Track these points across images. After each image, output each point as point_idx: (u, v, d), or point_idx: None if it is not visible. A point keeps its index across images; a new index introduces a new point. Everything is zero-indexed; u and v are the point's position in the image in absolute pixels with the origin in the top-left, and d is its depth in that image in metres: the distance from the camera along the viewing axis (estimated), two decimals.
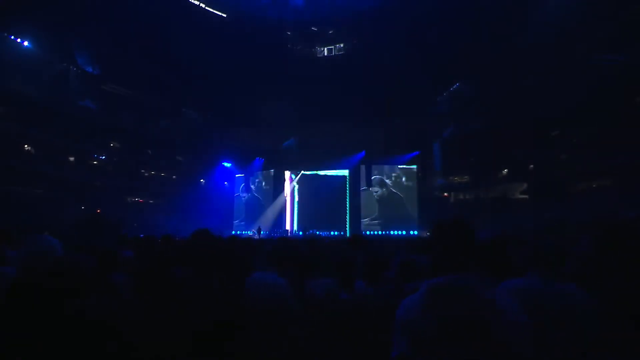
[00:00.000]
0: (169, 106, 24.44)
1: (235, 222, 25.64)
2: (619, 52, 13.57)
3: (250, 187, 25.94)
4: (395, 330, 1.37)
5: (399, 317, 1.38)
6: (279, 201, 24.83)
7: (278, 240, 3.58)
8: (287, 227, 24.08)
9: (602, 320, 1.46)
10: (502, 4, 16.33)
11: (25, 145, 17.92)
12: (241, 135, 25.87)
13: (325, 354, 2.04)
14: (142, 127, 22.86)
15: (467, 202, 21.90)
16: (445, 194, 23.14)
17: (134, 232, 14.79)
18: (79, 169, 19.98)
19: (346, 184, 24.06)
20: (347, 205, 23.80)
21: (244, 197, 25.97)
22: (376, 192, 23.42)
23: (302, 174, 24.69)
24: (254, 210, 25.40)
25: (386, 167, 23.59)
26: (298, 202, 24.35)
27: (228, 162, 26.23)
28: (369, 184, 23.53)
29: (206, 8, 20.39)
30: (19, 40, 17.23)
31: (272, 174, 25.60)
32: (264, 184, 25.78)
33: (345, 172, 24.11)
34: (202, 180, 26.15)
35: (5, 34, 16.82)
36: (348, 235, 21.58)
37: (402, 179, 23.41)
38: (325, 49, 22.79)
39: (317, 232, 21.75)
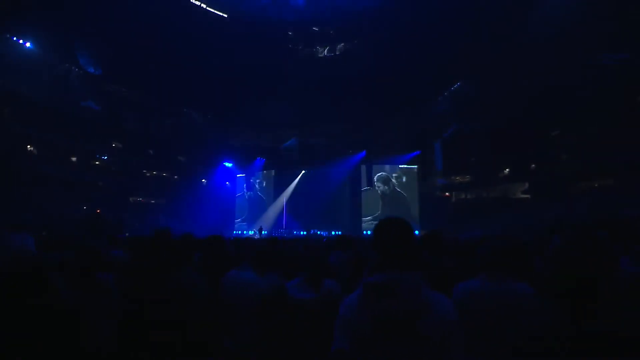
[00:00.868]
0: (170, 107, 24.53)
1: (237, 221, 25.74)
2: (619, 52, 13.54)
3: (252, 187, 26.02)
4: (335, 326, 1.43)
5: (339, 314, 1.44)
6: (280, 201, 24.90)
7: (264, 241, 3.68)
8: (284, 227, 24.14)
9: (546, 317, 1.52)
10: (502, 4, 16.32)
11: (29, 146, 18.07)
12: (242, 136, 25.98)
13: (271, 349, 2.18)
14: (144, 127, 22.98)
15: (468, 202, 21.90)
16: (447, 193, 23.14)
17: (136, 232, 14.89)
18: (81, 169, 20.13)
19: (347, 183, 24.08)
20: (348, 205, 23.84)
21: (245, 196, 26.06)
22: (379, 187, 23.40)
23: (303, 173, 24.75)
24: (255, 210, 25.49)
25: (387, 167, 23.61)
26: (299, 201, 24.38)
27: (229, 162, 26.31)
28: (371, 182, 23.54)
29: (207, 8, 20.47)
30: (21, 41, 17.36)
31: (273, 173, 25.68)
32: (265, 183, 25.87)
33: (346, 172, 24.13)
34: (203, 180, 26.24)
35: (8, 36, 16.95)
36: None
37: (403, 178, 23.43)
38: (326, 49, 22.82)
39: (318, 232, 21.83)
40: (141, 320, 1.74)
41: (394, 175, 23.49)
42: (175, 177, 25.60)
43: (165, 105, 24.01)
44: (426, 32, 18.43)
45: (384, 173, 23.54)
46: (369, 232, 22.38)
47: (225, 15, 20.94)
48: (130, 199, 22.80)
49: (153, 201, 23.95)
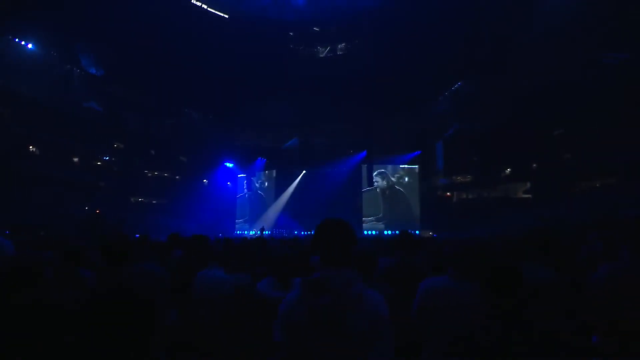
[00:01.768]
0: (171, 107, 24.57)
1: (239, 222, 25.77)
2: (619, 52, 13.53)
3: (253, 187, 26.06)
4: (276, 321, 1.51)
5: (280, 309, 1.52)
6: (281, 201, 24.92)
7: (252, 241, 3.97)
8: (285, 227, 24.14)
9: (487, 314, 1.62)
10: (502, 4, 16.32)
11: (31, 147, 18.13)
12: (243, 136, 26.00)
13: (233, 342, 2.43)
14: (145, 128, 23.02)
15: (470, 202, 21.89)
16: (448, 193, 23.14)
17: (137, 232, 14.90)
18: (82, 169, 20.18)
19: (348, 183, 24.08)
20: (349, 205, 23.82)
21: (247, 197, 26.10)
22: (377, 182, 23.37)
23: (304, 173, 24.77)
24: (257, 210, 25.52)
25: (388, 167, 23.62)
26: (300, 201, 24.39)
27: (230, 163, 26.35)
28: (372, 183, 23.54)
29: (207, 9, 20.51)
30: (23, 42, 17.40)
31: (275, 173, 25.71)
32: (266, 184, 25.90)
33: (346, 172, 24.14)
34: (205, 180, 26.29)
35: (10, 37, 16.99)
36: None
37: (404, 179, 23.43)
38: (327, 49, 22.84)
39: None
40: (97, 312, 1.86)
41: (395, 175, 23.50)
42: (177, 177, 25.65)
43: (166, 105, 24.03)
44: (426, 32, 18.43)
45: (382, 170, 23.53)
46: (369, 232, 22.44)
47: (226, 16, 20.96)
48: (132, 199, 22.85)
49: (154, 201, 24.00)
